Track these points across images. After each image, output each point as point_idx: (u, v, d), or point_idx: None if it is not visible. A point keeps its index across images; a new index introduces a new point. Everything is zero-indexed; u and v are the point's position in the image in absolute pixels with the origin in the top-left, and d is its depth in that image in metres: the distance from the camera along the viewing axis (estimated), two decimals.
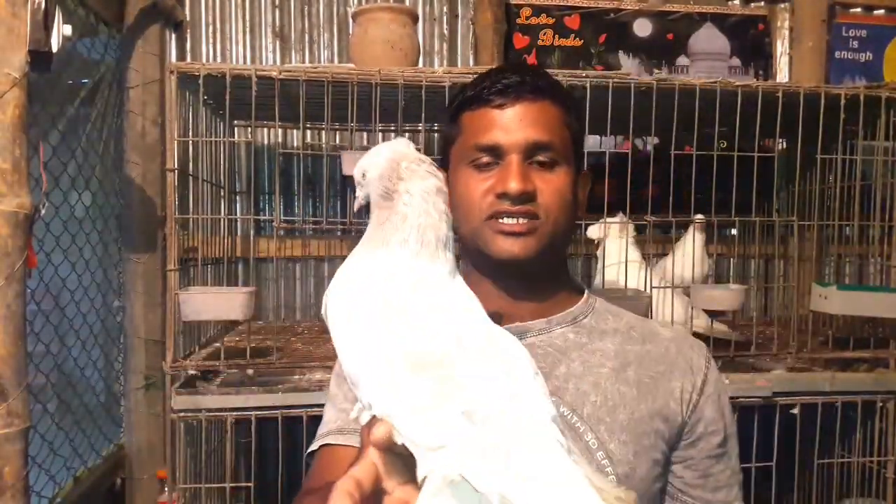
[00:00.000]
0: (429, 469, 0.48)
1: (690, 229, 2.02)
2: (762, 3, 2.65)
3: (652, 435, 0.85)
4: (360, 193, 0.69)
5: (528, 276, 0.90)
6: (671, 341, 0.92)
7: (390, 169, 0.63)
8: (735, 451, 0.92)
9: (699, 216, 1.95)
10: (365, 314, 0.56)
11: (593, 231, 1.93)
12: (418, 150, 0.66)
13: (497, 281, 0.91)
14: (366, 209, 0.68)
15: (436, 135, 2.43)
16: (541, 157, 0.86)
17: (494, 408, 0.49)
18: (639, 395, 0.86)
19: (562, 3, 2.53)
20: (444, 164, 0.95)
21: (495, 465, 0.45)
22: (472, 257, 0.93)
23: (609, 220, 1.86)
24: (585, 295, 0.96)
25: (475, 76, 0.96)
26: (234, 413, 1.53)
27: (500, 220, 0.85)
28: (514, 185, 0.84)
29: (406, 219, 0.61)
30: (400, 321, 0.54)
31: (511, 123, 0.86)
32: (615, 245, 1.84)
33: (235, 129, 2.29)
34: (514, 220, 0.85)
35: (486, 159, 0.87)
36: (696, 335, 1.07)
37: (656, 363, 0.89)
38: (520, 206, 0.85)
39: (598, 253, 1.93)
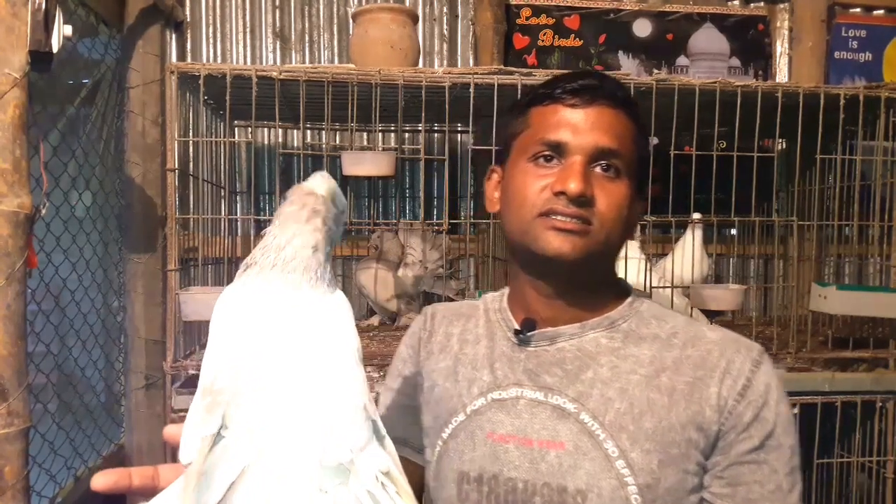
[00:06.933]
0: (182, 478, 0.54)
1: (689, 228, 2.02)
2: (762, 4, 2.65)
3: (683, 444, 0.79)
4: None
5: (571, 279, 0.87)
6: (715, 344, 0.84)
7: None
8: (783, 465, 0.80)
9: (696, 214, 1.94)
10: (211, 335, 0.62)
11: None
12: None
13: (540, 280, 0.89)
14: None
15: (436, 135, 2.44)
16: (605, 164, 0.84)
17: (242, 436, 0.53)
18: (670, 402, 0.81)
19: (562, 4, 2.53)
20: (503, 156, 0.94)
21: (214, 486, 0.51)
22: (517, 254, 0.90)
23: None
24: (630, 298, 0.91)
25: (547, 76, 0.95)
26: None
27: (553, 218, 0.83)
28: (573, 186, 0.81)
29: (266, 246, 0.64)
30: (213, 352, 0.60)
31: (581, 125, 0.84)
32: None
33: (235, 129, 2.29)
34: (568, 219, 0.82)
35: (548, 154, 0.85)
36: None
37: (695, 368, 0.83)
38: (575, 208, 0.82)
39: None
